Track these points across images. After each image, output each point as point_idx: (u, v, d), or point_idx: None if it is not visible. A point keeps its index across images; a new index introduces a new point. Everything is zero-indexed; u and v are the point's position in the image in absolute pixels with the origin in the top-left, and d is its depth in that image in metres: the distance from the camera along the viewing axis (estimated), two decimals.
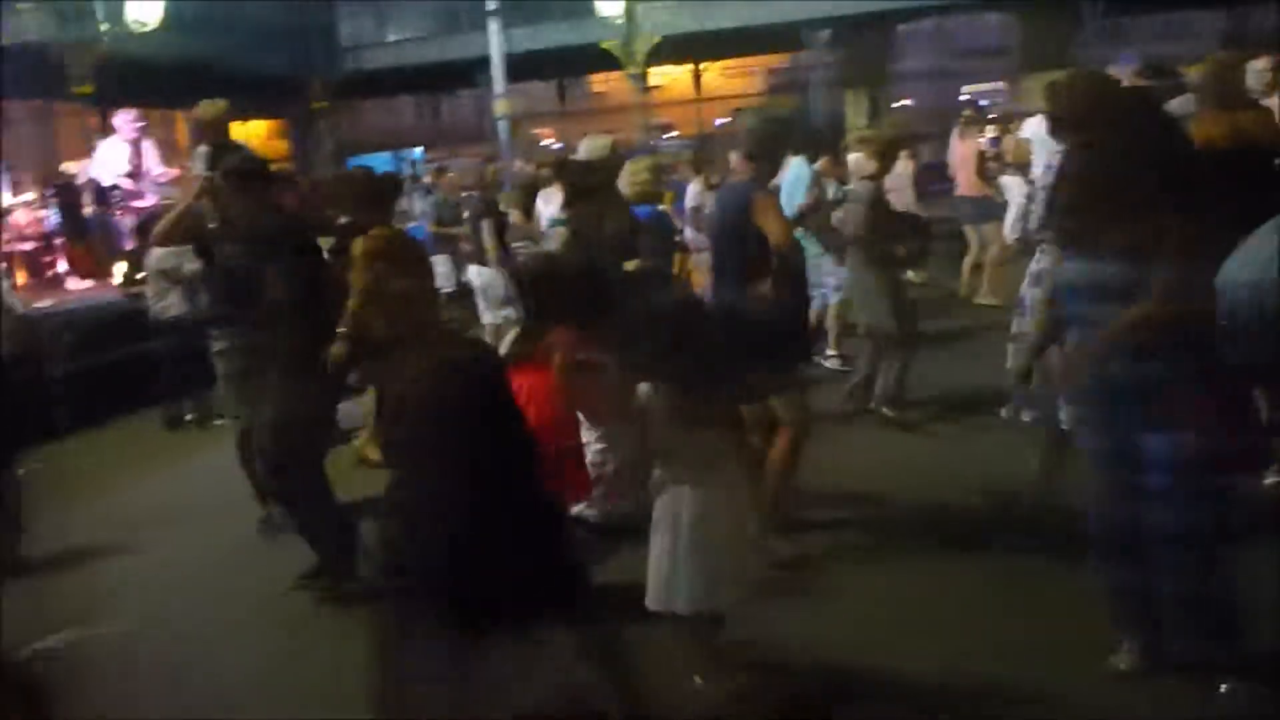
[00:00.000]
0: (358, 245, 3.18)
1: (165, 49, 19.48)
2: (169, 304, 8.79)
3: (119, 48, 17.87)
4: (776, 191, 5.23)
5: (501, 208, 9.57)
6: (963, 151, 11.84)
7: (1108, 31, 24.80)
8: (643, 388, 3.69)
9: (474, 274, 9.29)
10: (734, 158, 5.36)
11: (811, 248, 8.23)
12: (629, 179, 6.91)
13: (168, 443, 8.98)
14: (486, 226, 9.02)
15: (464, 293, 10.24)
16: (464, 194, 11.12)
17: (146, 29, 17.21)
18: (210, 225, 5.98)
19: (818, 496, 5.72)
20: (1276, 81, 5.87)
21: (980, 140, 11.89)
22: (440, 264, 10.85)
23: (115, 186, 11.35)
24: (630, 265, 5.20)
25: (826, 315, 9.29)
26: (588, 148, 6.70)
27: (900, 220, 10.28)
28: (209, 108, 7.55)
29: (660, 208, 7.62)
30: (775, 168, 5.39)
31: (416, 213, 13.11)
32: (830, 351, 9.26)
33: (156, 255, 8.71)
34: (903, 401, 7.49)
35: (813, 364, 5.32)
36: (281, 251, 5.00)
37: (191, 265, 9.13)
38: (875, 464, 6.53)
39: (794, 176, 8.11)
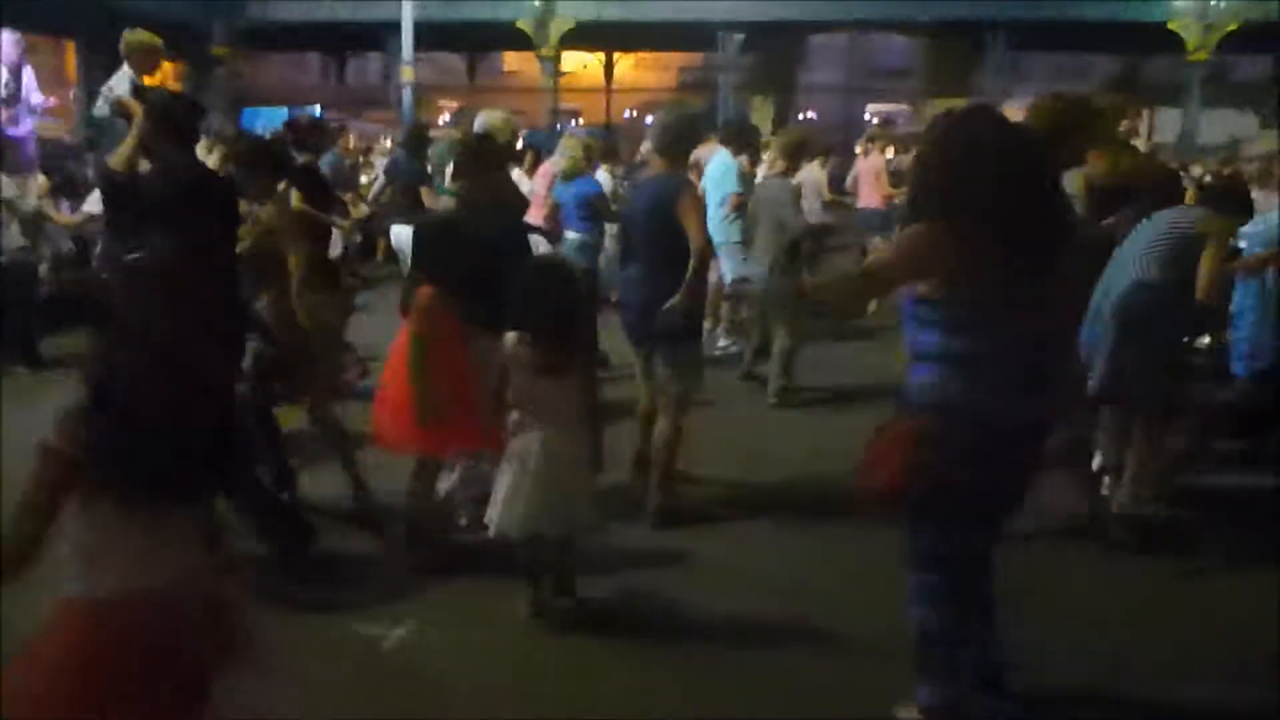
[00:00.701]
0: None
1: None
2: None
3: None
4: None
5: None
6: (867, 165, 12.20)
7: (1008, 66, 25.58)
8: (507, 338, 4.03)
9: (394, 232, 9.30)
10: (645, 149, 5.58)
11: (719, 236, 8.43)
12: (566, 153, 7.54)
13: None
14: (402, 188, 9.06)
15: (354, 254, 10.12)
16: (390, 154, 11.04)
17: None
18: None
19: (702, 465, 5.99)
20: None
21: (885, 156, 12.22)
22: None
23: None
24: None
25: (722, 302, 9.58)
26: (484, 121, 6.82)
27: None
28: (136, 36, 7.23)
29: (596, 180, 8.05)
30: (685, 163, 5.60)
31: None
32: (722, 339, 9.53)
33: (4, 183, 8.36)
34: (789, 387, 7.82)
35: (699, 345, 5.51)
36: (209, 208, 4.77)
37: (31, 202, 8.85)
38: (761, 441, 6.88)
39: (722, 168, 8.59)
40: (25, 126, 10.87)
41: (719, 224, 8.44)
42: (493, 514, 4.09)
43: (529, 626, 4.20)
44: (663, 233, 5.11)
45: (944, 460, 2.99)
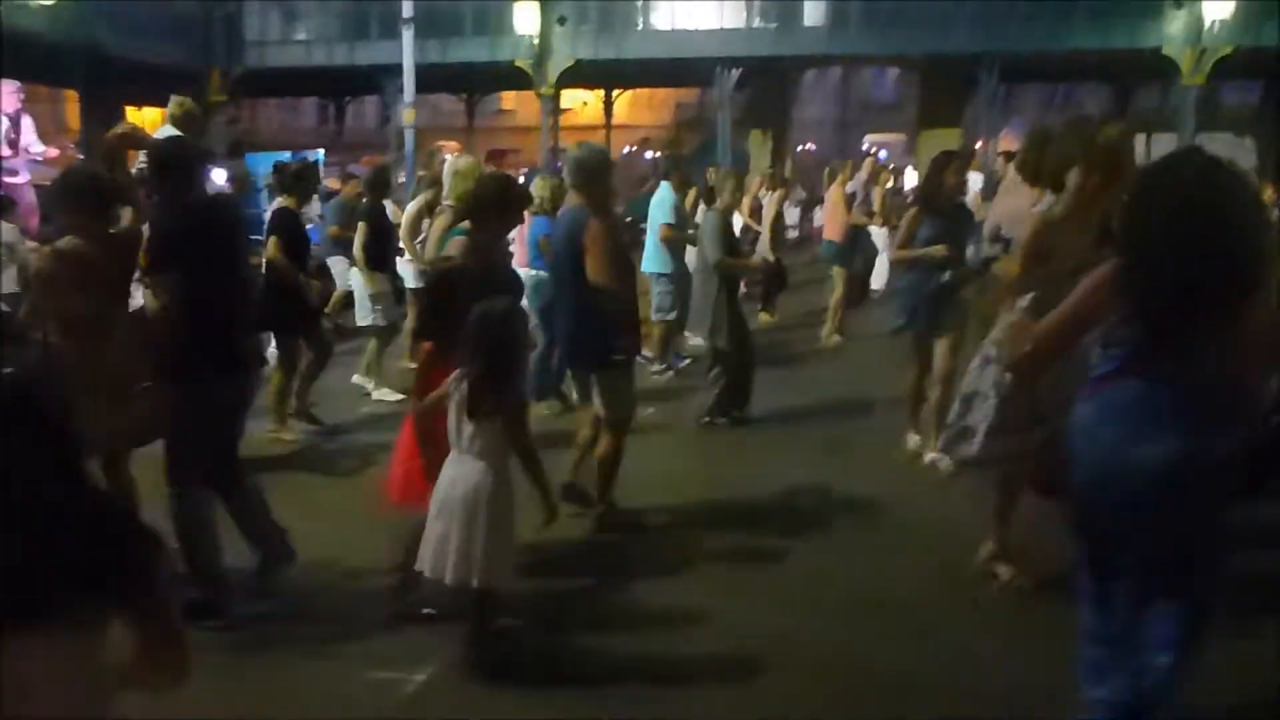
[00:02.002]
0: None
1: (59, 25, 18.88)
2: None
3: (11, 18, 17.22)
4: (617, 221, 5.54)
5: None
6: (829, 198, 12.30)
7: (1001, 97, 25.72)
8: (450, 379, 4.11)
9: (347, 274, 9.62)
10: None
11: (653, 266, 9.54)
12: (535, 193, 7.95)
13: None
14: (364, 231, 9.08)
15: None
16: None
17: (44, 3, 16.63)
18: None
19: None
20: None
21: (845, 188, 12.29)
22: (337, 265, 10.81)
23: None
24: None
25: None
26: (454, 165, 7.09)
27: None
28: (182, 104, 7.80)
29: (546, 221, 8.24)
30: (604, 197, 5.81)
31: (314, 215, 12.82)
32: (659, 364, 9.84)
33: (3, 229, 8.51)
34: (728, 412, 8.09)
35: (627, 370, 5.70)
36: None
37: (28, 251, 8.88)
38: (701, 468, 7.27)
39: (657, 201, 9.54)
40: (25, 175, 10.92)
41: (653, 254, 9.56)
42: (424, 556, 4.08)
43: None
44: (574, 263, 5.46)
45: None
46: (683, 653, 4.33)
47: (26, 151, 11.08)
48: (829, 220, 12.21)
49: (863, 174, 13.21)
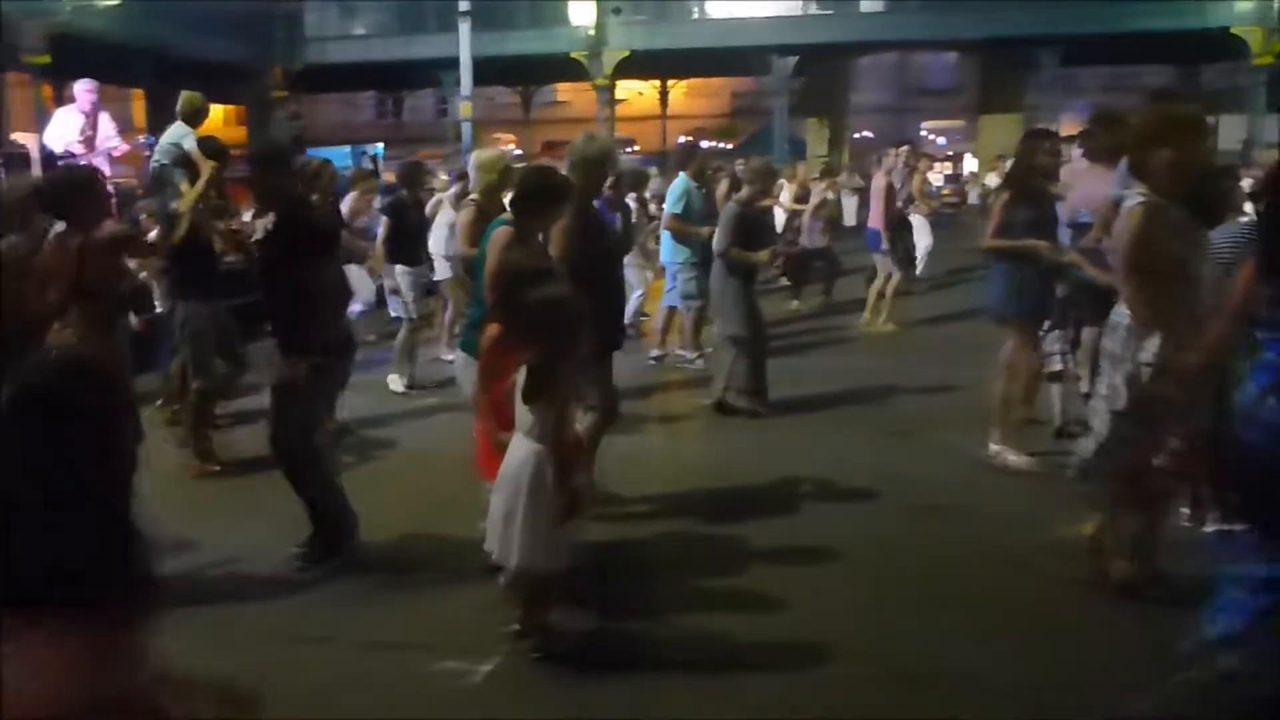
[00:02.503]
0: None
1: (125, 26, 19.23)
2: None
3: (79, 21, 17.60)
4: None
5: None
6: (874, 187, 12.30)
7: (1061, 80, 25.32)
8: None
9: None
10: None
11: (668, 256, 9.64)
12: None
13: None
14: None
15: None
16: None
17: (110, 4, 16.94)
18: None
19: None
20: None
21: (889, 177, 12.20)
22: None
23: (68, 154, 11.10)
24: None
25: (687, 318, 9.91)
26: (478, 158, 7.02)
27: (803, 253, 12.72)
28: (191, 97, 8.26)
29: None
30: (589, 189, 5.74)
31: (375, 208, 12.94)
32: (690, 353, 9.83)
33: None
34: (752, 394, 7.99)
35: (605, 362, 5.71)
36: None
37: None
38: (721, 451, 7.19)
39: (672, 189, 9.61)
40: (107, 170, 11.13)
41: (666, 244, 9.70)
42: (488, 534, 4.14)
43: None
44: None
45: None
46: (742, 644, 4.29)
47: (104, 149, 11.28)
48: (872, 208, 12.16)
49: (898, 161, 13.01)
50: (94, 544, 1.90)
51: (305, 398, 5.08)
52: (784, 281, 13.97)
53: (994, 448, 6.53)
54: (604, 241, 5.87)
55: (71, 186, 5.60)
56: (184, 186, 6.95)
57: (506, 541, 4.03)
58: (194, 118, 8.73)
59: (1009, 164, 7.50)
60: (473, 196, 7.06)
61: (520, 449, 4.08)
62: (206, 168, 6.78)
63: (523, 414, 4.08)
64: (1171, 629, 3.65)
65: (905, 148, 13.23)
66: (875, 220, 11.94)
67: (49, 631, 1.81)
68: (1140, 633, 4.12)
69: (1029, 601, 4.63)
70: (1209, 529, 5.10)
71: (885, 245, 11.69)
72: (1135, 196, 4.31)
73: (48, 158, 11.43)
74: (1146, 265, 4.21)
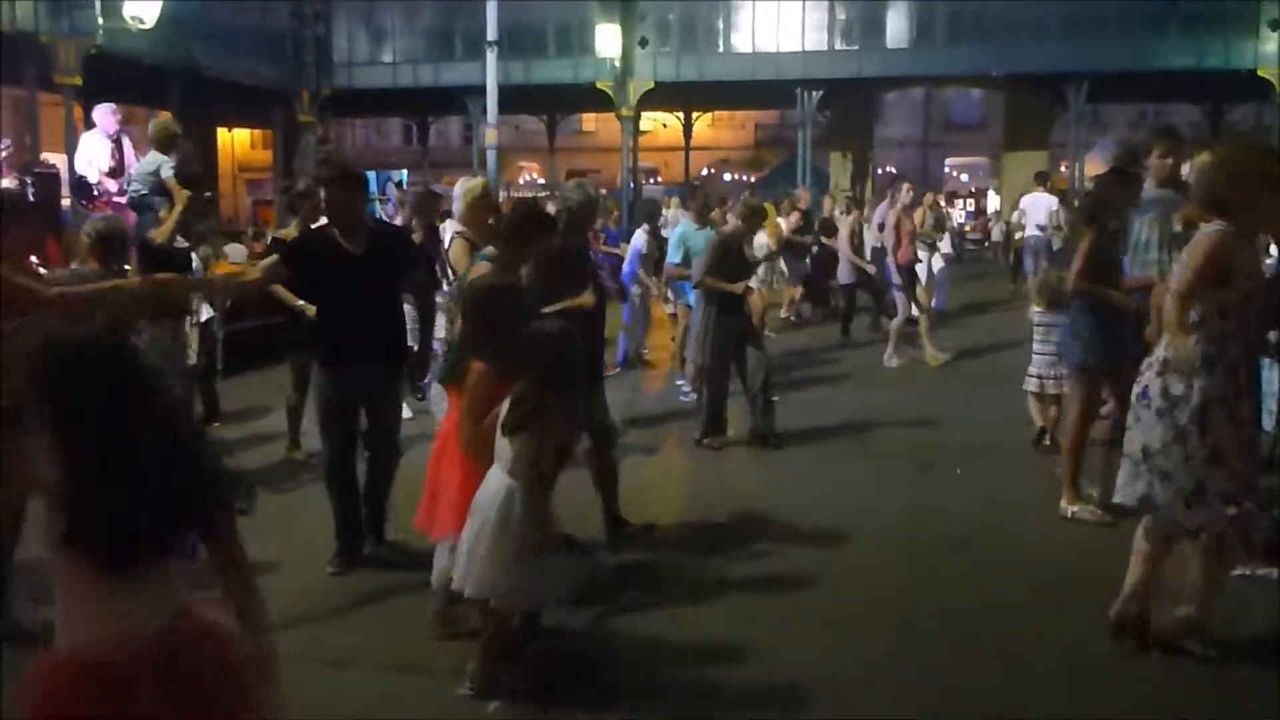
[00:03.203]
0: None
1: (157, 49, 19.46)
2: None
3: (111, 43, 17.81)
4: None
5: None
6: (887, 223, 12.19)
7: (1088, 117, 25.28)
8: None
9: None
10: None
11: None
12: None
13: None
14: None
15: None
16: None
17: (143, 27, 17.14)
18: None
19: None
20: None
21: (895, 212, 12.12)
22: None
23: (99, 184, 11.21)
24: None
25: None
26: (462, 186, 7.00)
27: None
28: (163, 125, 8.60)
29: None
30: (578, 230, 6.12)
31: None
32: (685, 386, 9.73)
33: None
34: (708, 428, 8.06)
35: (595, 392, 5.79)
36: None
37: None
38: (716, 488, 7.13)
39: (674, 238, 9.69)
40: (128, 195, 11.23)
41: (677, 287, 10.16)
42: (456, 568, 4.09)
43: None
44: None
45: None
46: (738, 682, 4.24)
47: (129, 171, 11.36)
48: (887, 244, 12.10)
49: (908, 197, 12.77)
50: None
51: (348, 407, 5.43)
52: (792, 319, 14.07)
53: (1070, 510, 6.15)
54: (585, 279, 6.04)
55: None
56: (163, 214, 7.03)
57: (467, 570, 3.98)
58: (167, 145, 8.81)
59: (1083, 201, 7.06)
60: (458, 229, 6.88)
61: (495, 480, 4.04)
62: (181, 196, 6.83)
63: (502, 446, 4.05)
64: (1211, 683, 3.63)
65: (905, 184, 13.10)
66: (890, 256, 11.91)
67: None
68: (1170, 685, 4.08)
69: (1051, 643, 4.57)
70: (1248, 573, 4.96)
71: (897, 281, 11.66)
72: (1215, 225, 4.23)
73: (78, 184, 11.51)
74: (1212, 290, 4.09)
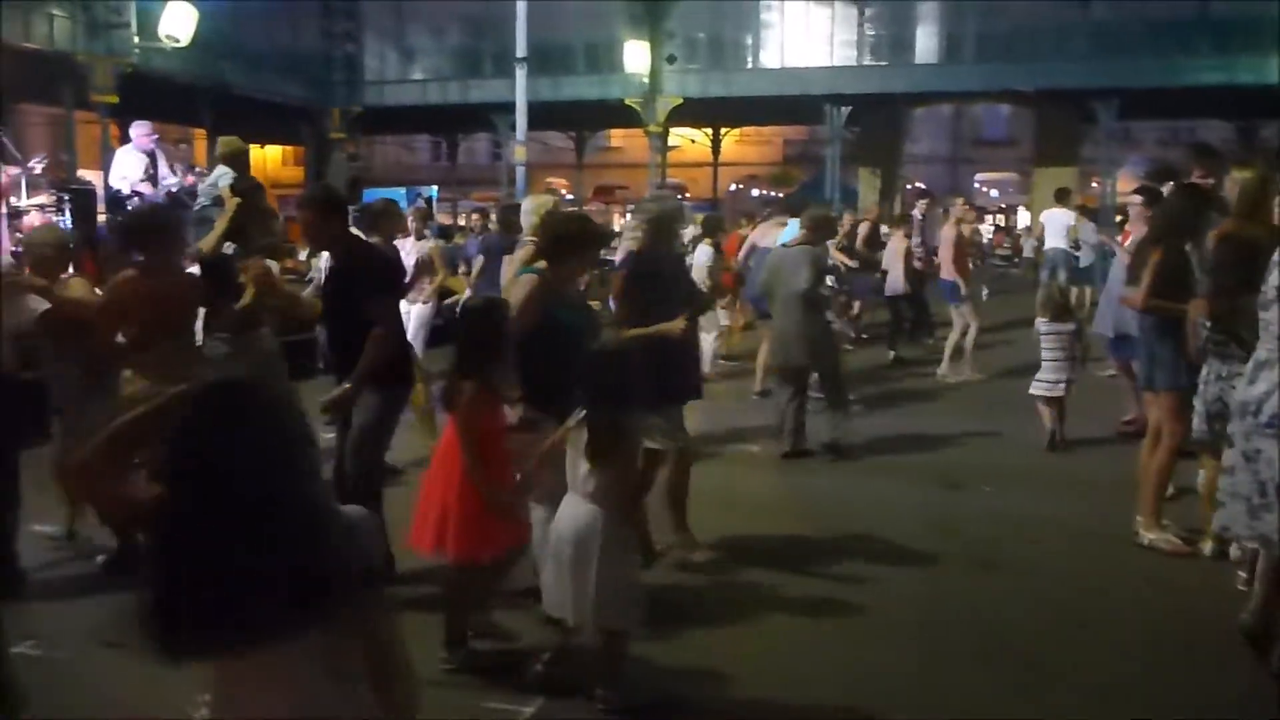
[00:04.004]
0: None
1: (191, 68, 19.69)
2: None
3: (146, 62, 18.04)
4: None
5: None
6: (944, 237, 12.27)
7: (1118, 134, 25.10)
8: (570, 421, 4.09)
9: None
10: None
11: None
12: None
13: None
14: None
15: None
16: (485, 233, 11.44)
17: (178, 45, 17.35)
18: None
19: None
20: None
21: (958, 227, 12.15)
22: None
23: (136, 194, 11.36)
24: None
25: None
26: (533, 204, 6.96)
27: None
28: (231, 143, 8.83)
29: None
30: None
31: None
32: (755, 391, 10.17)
33: None
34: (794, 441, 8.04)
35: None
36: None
37: None
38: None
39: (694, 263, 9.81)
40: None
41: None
42: (546, 595, 4.13)
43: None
44: None
45: None
46: (765, 701, 4.23)
47: (163, 184, 11.54)
48: (943, 259, 12.10)
49: (964, 212, 12.80)
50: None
51: (381, 426, 5.33)
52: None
53: (1147, 537, 5.90)
54: (676, 299, 5.72)
55: (149, 226, 5.93)
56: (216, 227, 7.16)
57: (579, 601, 3.95)
58: (233, 160, 9.14)
59: (1152, 220, 6.68)
60: (528, 238, 6.82)
61: (574, 507, 4.03)
62: (231, 205, 6.93)
63: (575, 473, 4.04)
64: None
65: (961, 199, 13.10)
66: (948, 271, 11.89)
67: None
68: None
69: (1081, 662, 4.53)
70: None
71: (964, 293, 11.71)
72: None
73: (114, 198, 11.68)
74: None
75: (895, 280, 13.37)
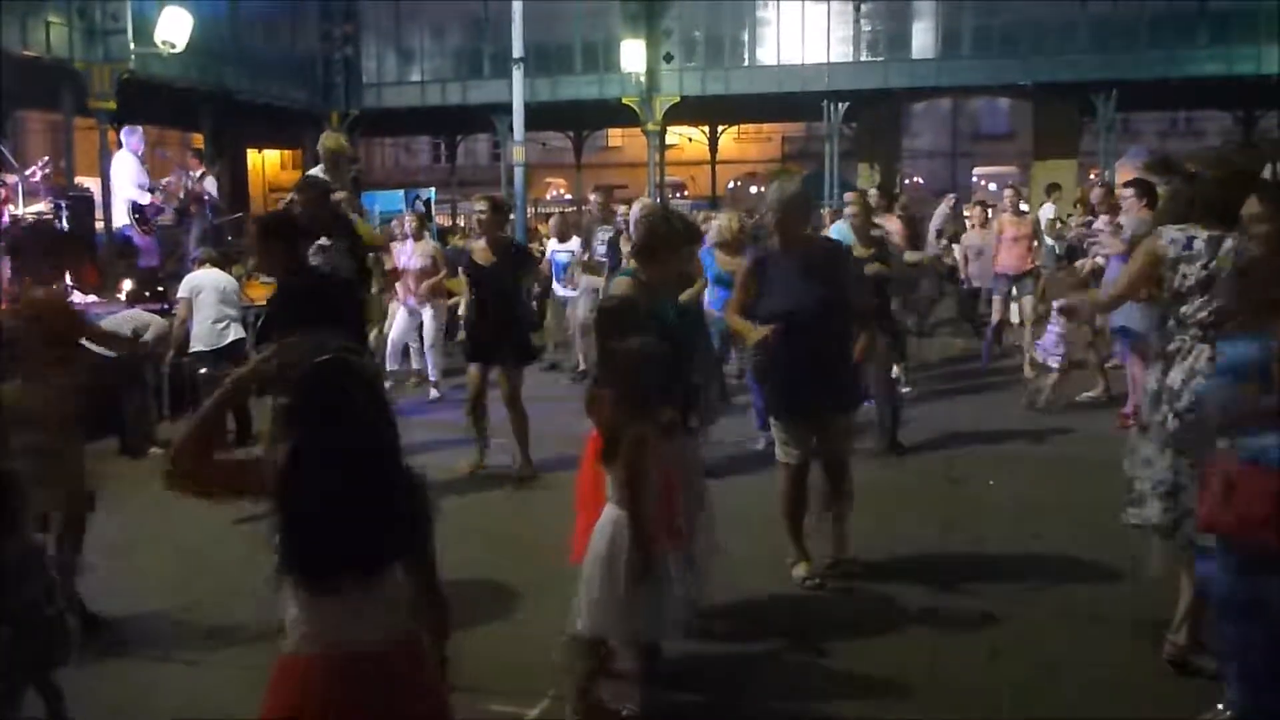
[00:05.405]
0: None
1: (189, 73, 19.68)
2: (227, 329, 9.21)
3: (144, 68, 18.03)
4: None
5: None
6: (1011, 231, 12.07)
7: (1117, 126, 25.06)
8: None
9: None
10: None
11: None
12: (725, 228, 8.50)
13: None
14: None
15: None
16: None
17: (174, 51, 17.35)
18: None
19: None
20: None
21: (1028, 221, 12.18)
22: None
23: (150, 205, 11.41)
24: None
25: None
26: (642, 206, 6.95)
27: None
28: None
29: None
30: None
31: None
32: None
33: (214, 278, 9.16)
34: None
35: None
36: None
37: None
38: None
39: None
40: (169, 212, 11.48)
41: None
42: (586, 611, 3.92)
43: None
44: None
45: None
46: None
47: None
48: (1006, 253, 12.02)
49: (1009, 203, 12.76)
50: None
51: None
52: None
53: None
54: (795, 289, 5.31)
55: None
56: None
57: (580, 605, 3.91)
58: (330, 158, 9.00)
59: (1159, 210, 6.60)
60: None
61: (606, 515, 3.94)
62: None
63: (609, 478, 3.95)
64: None
65: (1008, 190, 13.17)
66: (1006, 265, 11.87)
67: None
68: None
69: (1083, 662, 4.52)
70: None
71: (1004, 289, 11.87)
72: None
73: (134, 208, 11.71)
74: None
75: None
